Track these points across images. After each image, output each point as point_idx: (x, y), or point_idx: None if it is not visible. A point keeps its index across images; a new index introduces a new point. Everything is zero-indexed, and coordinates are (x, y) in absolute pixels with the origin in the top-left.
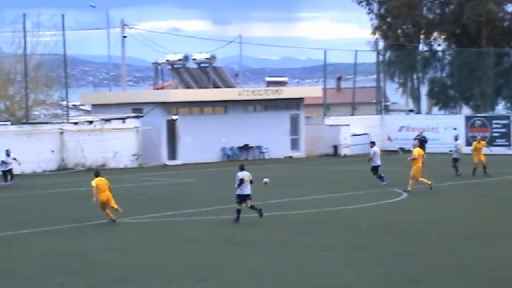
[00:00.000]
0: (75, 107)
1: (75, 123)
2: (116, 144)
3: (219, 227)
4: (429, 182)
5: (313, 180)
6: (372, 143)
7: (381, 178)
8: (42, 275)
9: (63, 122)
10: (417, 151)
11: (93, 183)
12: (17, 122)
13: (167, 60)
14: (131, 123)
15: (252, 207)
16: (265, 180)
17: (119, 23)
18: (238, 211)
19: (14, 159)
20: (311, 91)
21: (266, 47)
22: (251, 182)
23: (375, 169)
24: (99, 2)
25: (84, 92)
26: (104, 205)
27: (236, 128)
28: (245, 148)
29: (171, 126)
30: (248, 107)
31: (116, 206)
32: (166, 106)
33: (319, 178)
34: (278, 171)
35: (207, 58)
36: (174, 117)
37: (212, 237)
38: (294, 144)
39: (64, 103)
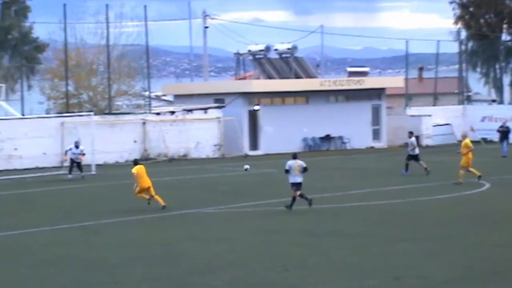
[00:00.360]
0: (157, 97)
1: (158, 114)
2: (198, 135)
3: (299, 217)
4: (478, 174)
5: (394, 170)
6: (411, 133)
7: (407, 167)
8: (124, 265)
9: (145, 113)
10: (465, 143)
11: (134, 170)
12: (100, 112)
13: (249, 51)
14: (213, 113)
15: (301, 195)
16: (246, 166)
17: (201, 13)
18: (293, 199)
19: (82, 152)
20: (393, 81)
21: (347, 37)
22: (305, 170)
23: (414, 158)
24: None
25: (166, 82)
26: (145, 191)
27: (318, 119)
28: (327, 138)
29: (253, 117)
30: (330, 97)
31: (156, 197)
32: (248, 96)
33: (401, 168)
34: (360, 162)
35: (288, 49)
36: (256, 107)
37: (293, 227)
38: (376, 135)
39: (147, 93)
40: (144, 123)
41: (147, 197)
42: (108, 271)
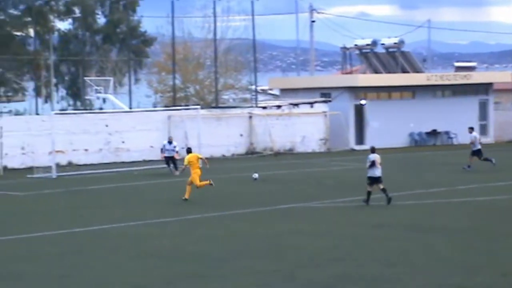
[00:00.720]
0: (264, 91)
1: (264, 108)
2: (304, 129)
3: (404, 212)
4: None
5: (502, 166)
6: (471, 129)
7: (488, 159)
8: (229, 258)
9: (251, 106)
10: None
11: (186, 159)
12: (206, 106)
13: (355, 45)
14: (319, 107)
15: (383, 190)
16: (255, 175)
17: (307, 8)
18: (369, 193)
19: (175, 150)
20: (501, 76)
21: (454, 32)
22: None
23: (477, 153)
24: None
25: (273, 76)
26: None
27: (424, 113)
28: (433, 133)
29: (359, 111)
30: (436, 92)
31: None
32: (354, 91)
33: (508, 164)
34: (466, 157)
35: (395, 43)
36: (362, 102)
37: (398, 222)
38: (483, 130)
39: (253, 87)
40: (250, 117)
41: (209, 182)
42: (214, 264)
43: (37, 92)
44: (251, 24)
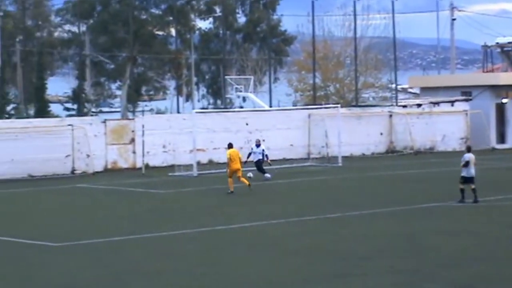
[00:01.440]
0: (404, 90)
1: (404, 106)
2: (445, 128)
3: None
4: None
5: None
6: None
7: None
8: (372, 256)
9: (392, 105)
10: None
11: (227, 154)
12: (346, 104)
13: (497, 43)
14: (460, 106)
15: (473, 190)
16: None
17: (448, 6)
18: (462, 191)
19: (264, 153)
20: None
21: None
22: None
23: None
24: None
25: (412, 75)
26: (232, 173)
27: None
28: None
29: (500, 110)
30: None
31: (242, 178)
32: (495, 89)
33: None
34: None
35: None
36: (504, 100)
37: None
38: None
39: (393, 86)
40: (390, 116)
41: (247, 182)
42: (354, 262)
43: (178, 91)
44: (391, 22)
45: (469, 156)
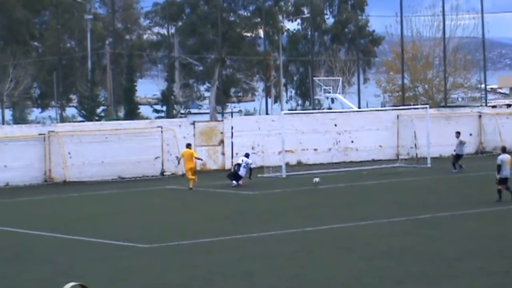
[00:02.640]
0: (493, 90)
1: (493, 107)
2: None
3: None
4: None
5: None
6: (458, 133)
7: (454, 166)
8: (460, 258)
9: (481, 105)
10: None
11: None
12: (435, 105)
13: None
14: None
15: (507, 188)
16: (316, 179)
17: None
18: (499, 191)
19: (249, 165)
20: None
21: None
22: None
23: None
24: None
25: (502, 75)
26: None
27: None
28: None
29: None
30: None
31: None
32: None
33: None
34: None
35: None
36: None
37: None
38: None
39: (482, 86)
40: (480, 116)
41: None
42: (444, 264)
43: (267, 92)
44: (480, 22)
45: (504, 157)
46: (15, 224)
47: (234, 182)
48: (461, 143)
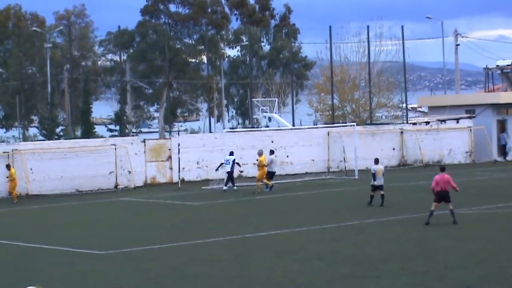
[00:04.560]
0: (413, 109)
1: (414, 124)
2: (451, 142)
3: None
4: None
5: None
6: (272, 152)
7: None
8: (385, 260)
9: (403, 123)
10: None
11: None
12: (361, 123)
13: (497, 65)
14: (465, 123)
15: (382, 195)
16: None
17: (452, 32)
18: (371, 196)
19: (235, 162)
20: None
21: None
22: None
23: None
24: (433, 13)
25: (421, 95)
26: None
27: None
28: None
29: (501, 126)
30: None
31: None
32: (497, 107)
33: None
34: None
35: None
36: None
37: None
38: None
39: (404, 105)
40: (401, 132)
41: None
42: (370, 265)
43: (210, 112)
44: (401, 48)
45: (376, 168)
46: None
47: (234, 187)
48: (272, 162)
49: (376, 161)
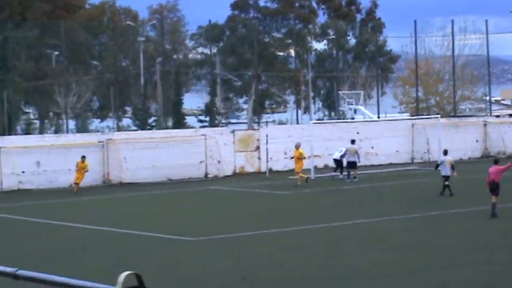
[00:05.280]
0: (497, 102)
1: (497, 116)
2: None
3: None
4: None
5: None
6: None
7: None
8: (467, 250)
9: (486, 115)
10: None
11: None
12: (445, 115)
13: None
14: None
15: (448, 186)
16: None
17: None
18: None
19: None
20: None
21: None
22: None
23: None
24: None
25: (504, 88)
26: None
27: None
28: None
29: None
30: None
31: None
32: None
33: None
34: None
35: None
36: None
37: None
38: None
39: (487, 98)
40: (485, 125)
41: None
42: (453, 255)
43: (297, 104)
44: (485, 42)
45: (445, 159)
46: (78, 220)
47: (340, 176)
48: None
49: (445, 153)
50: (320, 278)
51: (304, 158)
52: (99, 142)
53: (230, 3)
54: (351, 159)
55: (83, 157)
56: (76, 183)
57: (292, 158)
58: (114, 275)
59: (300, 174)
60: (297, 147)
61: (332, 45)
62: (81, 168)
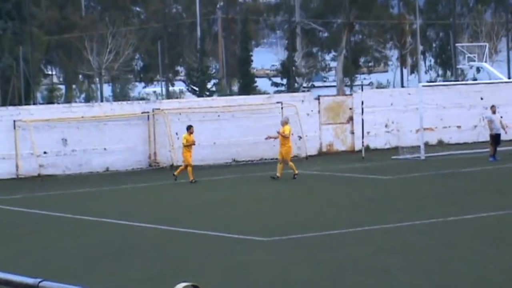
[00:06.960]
0: None
1: None
2: None
3: None
4: None
5: None
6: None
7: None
8: None
9: None
10: None
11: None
12: None
13: None
14: None
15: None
16: None
17: None
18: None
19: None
20: None
21: None
22: None
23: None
24: None
25: None
26: None
27: None
28: None
29: None
30: None
31: None
32: None
33: None
34: None
35: None
36: None
37: None
38: None
39: None
40: None
41: None
42: None
43: (402, 62)
44: None
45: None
46: (117, 215)
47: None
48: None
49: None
50: None
51: (288, 137)
52: (143, 113)
53: None
54: (499, 131)
55: (190, 127)
56: (189, 165)
57: (272, 137)
58: (167, 286)
59: (282, 165)
60: (284, 123)
61: None
62: (191, 143)
